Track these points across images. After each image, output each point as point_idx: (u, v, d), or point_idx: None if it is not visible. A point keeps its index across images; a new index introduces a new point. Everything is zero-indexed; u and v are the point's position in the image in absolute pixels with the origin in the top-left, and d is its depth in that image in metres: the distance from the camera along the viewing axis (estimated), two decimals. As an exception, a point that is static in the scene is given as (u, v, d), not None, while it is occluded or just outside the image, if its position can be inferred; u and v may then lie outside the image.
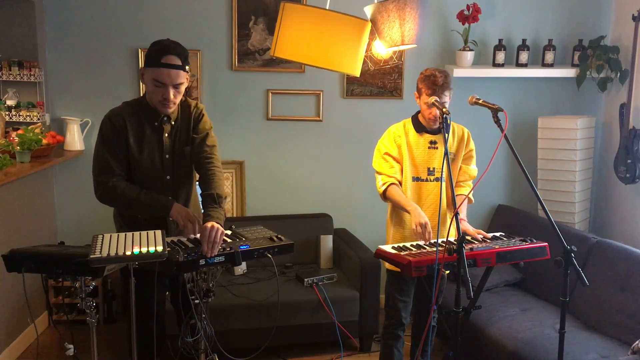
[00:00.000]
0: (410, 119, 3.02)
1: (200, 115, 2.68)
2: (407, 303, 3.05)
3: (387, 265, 3.00)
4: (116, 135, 2.54)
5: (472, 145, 3.04)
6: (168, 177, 2.64)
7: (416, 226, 2.73)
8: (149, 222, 2.58)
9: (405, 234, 2.97)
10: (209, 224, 2.34)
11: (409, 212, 2.83)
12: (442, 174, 2.91)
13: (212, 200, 2.51)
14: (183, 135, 2.65)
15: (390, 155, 2.97)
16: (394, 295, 3.05)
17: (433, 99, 2.74)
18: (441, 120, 2.67)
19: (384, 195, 2.95)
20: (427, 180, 2.95)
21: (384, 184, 2.94)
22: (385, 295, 3.12)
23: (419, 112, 2.98)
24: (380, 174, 2.99)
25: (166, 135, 2.61)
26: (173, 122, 2.62)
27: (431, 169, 2.94)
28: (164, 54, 2.44)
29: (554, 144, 4.23)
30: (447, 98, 2.84)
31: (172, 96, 2.48)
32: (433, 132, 2.96)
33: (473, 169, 3.05)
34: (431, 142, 2.97)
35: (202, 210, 2.53)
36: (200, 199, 2.70)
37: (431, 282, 2.62)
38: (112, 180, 2.51)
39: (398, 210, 2.98)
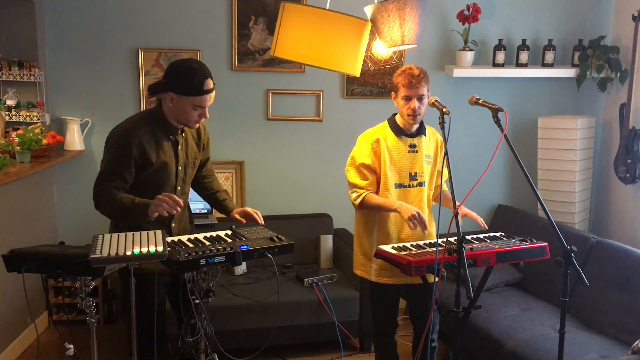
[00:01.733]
0: (386, 123, 2.93)
1: (208, 135, 2.87)
2: (391, 312, 3.02)
3: (359, 272, 2.97)
4: (129, 155, 2.50)
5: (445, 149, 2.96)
6: (179, 188, 2.70)
7: (410, 220, 2.64)
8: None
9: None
10: (248, 208, 2.78)
11: (396, 211, 2.72)
12: (440, 177, 2.90)
13: (229, 196, 2.94)
14: (191, 149, 2.74)
15: (365, 165, 2.85)
16: (377, 307, 3.04)
17: (434, 98, 2.72)
18: (441, 120, 2.65)
19: (360, 206, 2.85)
20: (409, 186, 2.88)
21: (359, 195, 2.83)
22: (370, 304, 3.09)
23: (395, 114, 2.92)
24: (354, 185, 2.87)
25: (180, 147, 2.67)
26: (183, 135, 2.69)
27: (413, 174, 2.87)
28: (204, 80, 2.47)
29: (554, 144, 4.23)
30: (424, 91, 2.78)
31: (207, 113, 2.58)
32: (412, 135, 2.88)
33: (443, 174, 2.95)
34: (411, 146, 2.88)
35: (223, 201, 2.88)
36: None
37: (430, 283, 2.63)
38: (106, 194, 2.49)
39: (378, 222, 2.88)
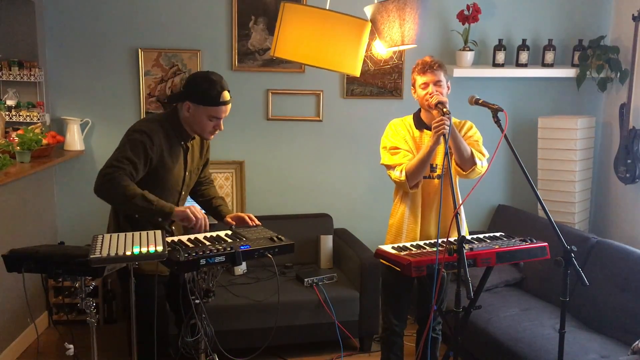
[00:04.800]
0: (411, 116, 2.98)
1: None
2: (399, 309, 3.02)
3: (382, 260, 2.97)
4: (148, 153, 2.51)
5: (471, 133, 2.94)
6: (183, 193, 2.75)
7: (437, 125, 2.64)
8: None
9: (417, 230, 2.91)
10: (241, 214, 2.81)
11: (433, 144, 2.71)
12: (442, 171, 2.89)
13: (225, 202, 2.94)
14: (195, 155, 2.79)
15: (398, 148, 2.89)
16: (386, 303, 3.05)
17: (436, 100, 2.72)
18: None
19: (408, 179, 2.80)
20: (430, 177, 2.91)
21: (401, 171, 2.82)
22: (381, 299, 3.11)
23: (420, 110, 2.96)
24: (390, 166, 2.87)
25: (188, 154, 2.72)
26: (191, 142, 2.73)
27: (434, 166, 2.89)
28: (221, 92, 2.53)
29: (554, 144, 4.23)
30: (441, 77, 2.79)
31: (222, 126, 2.63)
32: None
33: (483, 150, 2.91)
34: None
35: (217, 207, 2.89)
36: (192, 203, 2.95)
37: (432, 283, 2.62)
38: (119, 173, 2.44)
39: (411, 206, 2.91)
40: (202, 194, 2.95)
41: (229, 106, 2.59)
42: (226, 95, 2.55)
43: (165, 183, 2.63)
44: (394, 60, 4.28)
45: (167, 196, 2.64)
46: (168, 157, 2.60)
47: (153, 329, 2.48)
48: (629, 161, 3.97)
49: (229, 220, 2.78)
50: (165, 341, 2.73)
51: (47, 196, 4.04)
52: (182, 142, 2.67)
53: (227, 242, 2.47)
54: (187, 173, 2.72)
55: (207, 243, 2.45)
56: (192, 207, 2.50)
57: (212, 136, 2.67)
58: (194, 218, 2.46)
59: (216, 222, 3.81)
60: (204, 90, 2.52)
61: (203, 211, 2.56)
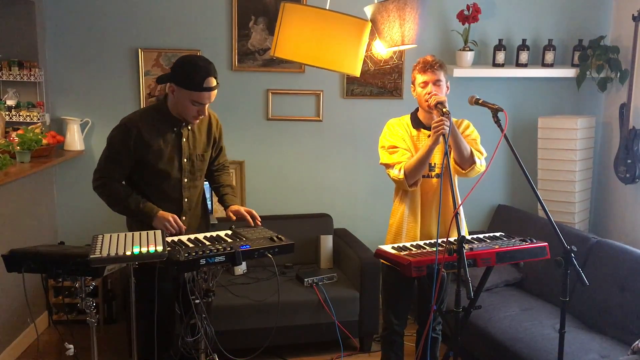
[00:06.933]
0: (408, 116, 2.98)
1: (220, 127, 2.91)
2: (400, 309, 3.02)
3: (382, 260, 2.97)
4: (127, 144, 2.59)
5: (469, 131, 2.94)
6: (186, 180, 2.74)
7: (436, 125, 2.63)
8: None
9: (417, 229, 2.91)
10: (242, 208, 2.78)
11: (433, 143, 2.71)
12: (442, 170, 2.89)
13: (233, 191, 2.94)
14: (201, 141, 2.77)
15: (397, 147, 2.89)
16: (386, 303, 3.05)
17: (435, 100, 2.72)
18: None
19: (406, 177, 2.80)
20: (428, 176, 2.91)
21: (400, 169, 2.82)
22: (381, 298, 3.11)
23: (417, 109, 2.96)
24: (389, 164, 2.87)
25: (184, 140, 2.70)
26: (189, 127, 2.72)
27: (432, 165, 2.89)
28: (205, 78, 2.51)
29: (554, 144, 4.23)
30: (441, 76, 2.80)
31: (206, 112, 2.63)
32: (430, 128, 2.86)
33: (481, 149, 2.92)
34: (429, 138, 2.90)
35: (223, 196, 2.90)
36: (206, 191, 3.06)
37: (431, 283, 2.62)
38: (107, 180, 2.64)
39: (411, 205, 2.91)
40: (214, 179, 2.98)
41: (214, 92, 2.57)
42: (211, 81, 2.53)
43: (155, 167, 2.64)
44: (394, 60, 4.28)
45: (163, 182, 2.68)
46: (153, 142, 2.61)
47: (153, 326, 2.48)
48: (629, 161, 3.98)
49: (230, 214, 2.78)
50: (169, 340, 2.72)
51: (47, 196, 4.04)
52: (175, 128, 2.67)
53: (227, 242, 2.47)
54: (184, 159, 2.71)
55: (207, 243, 2.46)
56: (171, 219, 2.60)
57: (196, 120, 2.67)
58: (160, 227, 2.59)
59: (216, 222, 3.84)
60: (188, 74, 2.52)
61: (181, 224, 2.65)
